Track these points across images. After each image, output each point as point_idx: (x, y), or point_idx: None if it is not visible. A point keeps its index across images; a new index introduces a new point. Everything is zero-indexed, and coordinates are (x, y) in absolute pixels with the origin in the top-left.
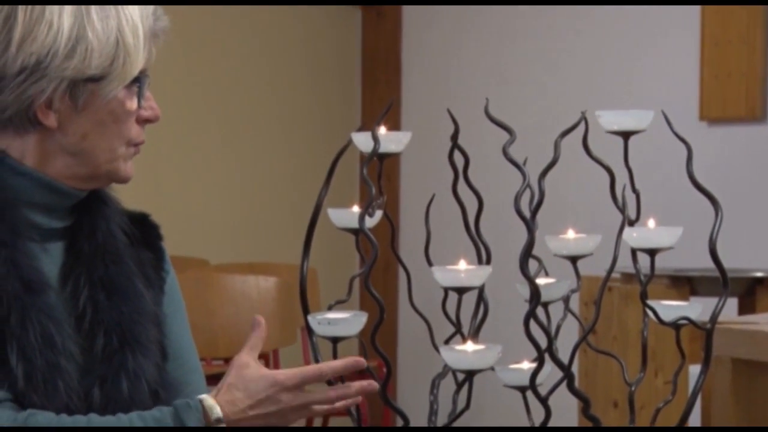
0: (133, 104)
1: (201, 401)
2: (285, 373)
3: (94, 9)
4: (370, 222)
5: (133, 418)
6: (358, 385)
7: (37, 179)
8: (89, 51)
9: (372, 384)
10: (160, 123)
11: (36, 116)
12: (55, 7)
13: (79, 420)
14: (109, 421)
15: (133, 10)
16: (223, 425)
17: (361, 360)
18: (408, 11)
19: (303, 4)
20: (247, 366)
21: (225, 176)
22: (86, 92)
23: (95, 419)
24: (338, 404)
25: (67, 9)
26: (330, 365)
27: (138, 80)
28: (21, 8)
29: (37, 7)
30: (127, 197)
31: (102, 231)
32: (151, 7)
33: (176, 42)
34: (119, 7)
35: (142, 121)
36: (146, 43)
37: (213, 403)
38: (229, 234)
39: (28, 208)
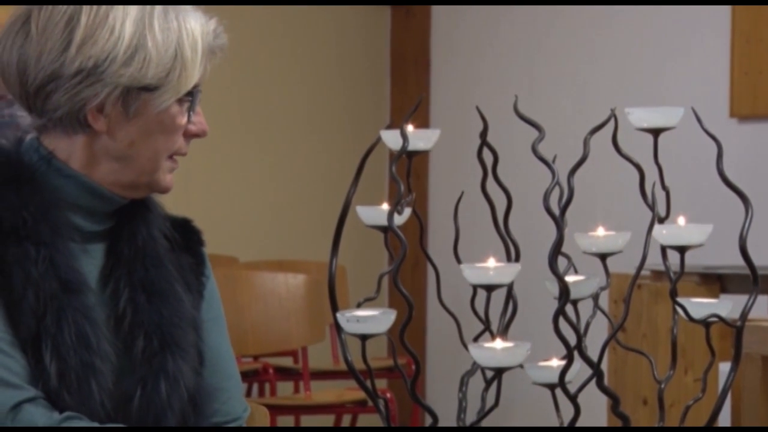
0: (183, 118)
1: None
2: None
3: (156, 19)
4: (399, 219)
5: None
6: None
7: (82, 183)
8: (147, 60)
9: None
10: None
11: (86, 119)
12: (119, 13)
13: None
14: None
15: (195, 25)
16: None
17: None
18: (437, 10)
19: (333, 4)
20: None
21: (255, 174)
22: (139, 100)
23: None
24: None
25: (131, 16)
26: None
27: (191, 94)
28: (85, 11)
29: (102, 12)
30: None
31: (143, 235)
32: (212, 24)
33: None
34: (181, 19)
35: (190, 136)
36: (203, 59)
37: None
38: (259, 232)
39: (70, 210)
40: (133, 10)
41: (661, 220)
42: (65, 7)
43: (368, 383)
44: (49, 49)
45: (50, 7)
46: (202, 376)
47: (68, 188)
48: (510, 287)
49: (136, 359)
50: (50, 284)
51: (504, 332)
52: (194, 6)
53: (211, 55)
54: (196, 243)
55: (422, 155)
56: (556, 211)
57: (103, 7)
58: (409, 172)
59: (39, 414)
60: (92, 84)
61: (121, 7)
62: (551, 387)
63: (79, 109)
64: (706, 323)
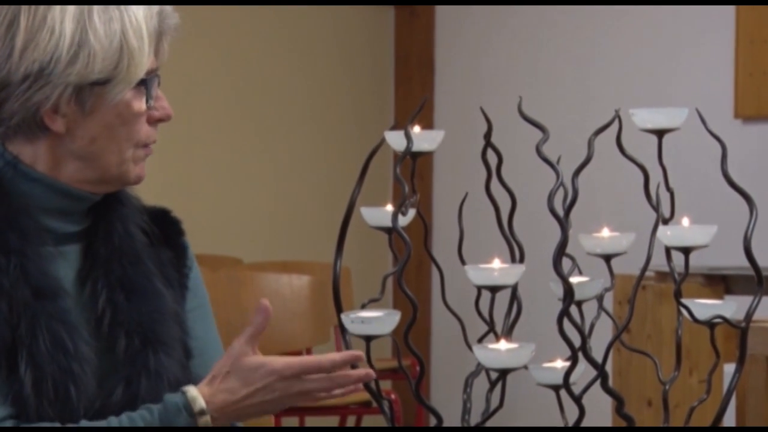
0: (141, 105)
1: (186, 394)
2: (283, 362)
3: (96, 13)
4: (403, 221)
5: (123, 420)
6: (356, 373)
7: (49, 185)
8: (92, 56)
9: (369, 374)
10: (194, 122)
11: (43, 122)
12: (57, 12)
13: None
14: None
15: (137, 12)
16: (207, 417)
17: (360, 354)
18: (441, 10)
19: (336, 4)
20: (245, 354)
21: (259, 175)
22: (92, 96)
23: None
24: (336, 392)
25: (69, 14)
26: (329, 358)
27: (144, 81)
28: (24, 14)
29: (40, 13)
30: (161, 196)
31: (118, 233)
32: (155, 8)
33: (209, 41)
34: (122, 9)
35: (154, 122)
36: (152, 44)
37: (196, 395)
38: (263, 233)
39: (42, 214)
40: (71, 6)
41: (666, 221)
42: (3, 12)
43: (372, 384)
44: None
45: None
46: (189, 370)
47: (37, 192)
48: (514, 288)
49: (118, 359)
50: (22, 293)
51: (508, 333)
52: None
53: (163, 36)
54: (176, 234)
55: (426, 156)
56: (561, 212)
57: (41, 7)
58: (414, 173)
59: None
60: (41, 87)
61: (58, 6)
62: (556, 388)
63: (34, 114)
64: (710, 324)
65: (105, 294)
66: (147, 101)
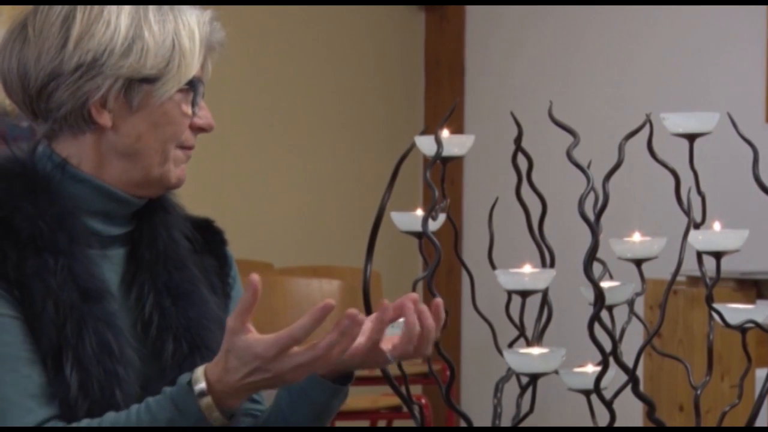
0: (187, 108)
1: (192, 377)
2: (263, 344)
3: (151, 12)
4: (434, 225)
5: (140, 410)
6: (337, 329)
7: (96, 186)
8: (145, 50)
9: (328, 305)
10: (224, 126)
11: (90, 115)
12: (114, 8)
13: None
14: (118, 420)
15: (191, 17)
16: (207, 398)
17: (329, 302)
18: (471, 14)
19: (366, 4)
20: (236, 332)
21: (289, 179)
22: (141, 93)
23: (108, 419)
24: (334, 352)
25: (125, 10)
26: (299, 325)
27: (193, 84)
28: (80, 9)
29: (96, 8)
30: (193, 200)
31: (163, 239)
32: (208, 16)
33: (241, 45)
34: (176, 13)
35: (196, 129)
36: (202, 49)
37: (199, 375)
38: (293, 237)
39: (87, 216)
40: (126, 5)
41: (697, 226)
42: (60, 7)
43: (403, 389)
44: (47, 48)
45: (45, 9)
46: None
47: (84, 193)
48: (545, 293)
49: (166, 363)
50: (69, 294)
51: (539, 338)
52: (205, 6)
53: (210, 50)
54: (219, 243)
55: (457, 161)
56: (592, 217)
57: (97, 5)
58: (444, 178)
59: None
60: (93, 77)
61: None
62: (586, 393)
63: (83, 105)
64: (742, 329)
65: (152, 298)
66: (192, 105)
